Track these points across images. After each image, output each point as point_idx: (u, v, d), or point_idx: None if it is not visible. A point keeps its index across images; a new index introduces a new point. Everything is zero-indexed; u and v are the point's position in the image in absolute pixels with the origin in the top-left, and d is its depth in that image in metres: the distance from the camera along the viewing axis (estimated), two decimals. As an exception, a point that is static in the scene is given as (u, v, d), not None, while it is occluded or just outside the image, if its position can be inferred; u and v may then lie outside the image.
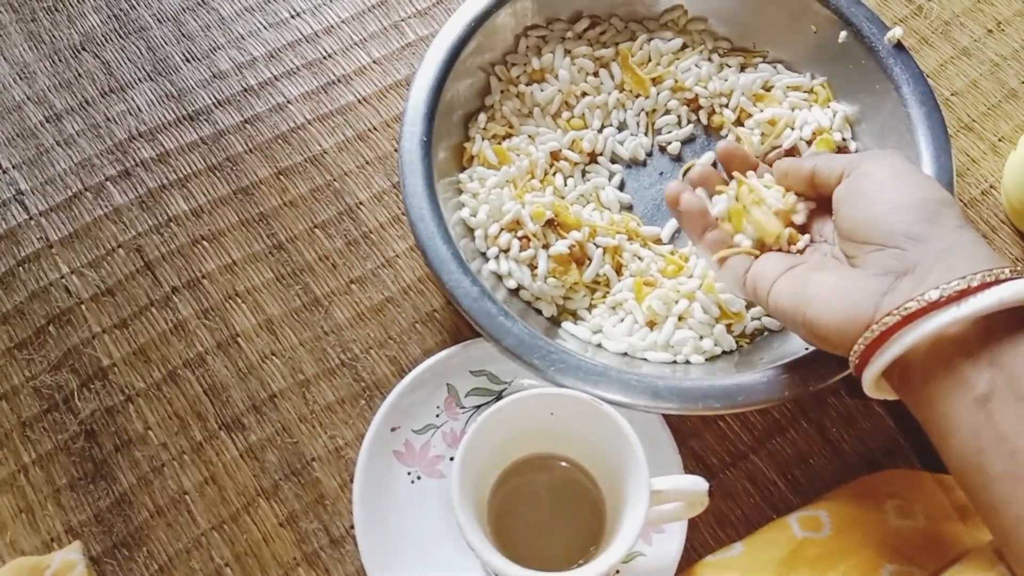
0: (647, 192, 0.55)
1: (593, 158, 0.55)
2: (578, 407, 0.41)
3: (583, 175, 0.55)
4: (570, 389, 0.42)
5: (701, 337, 0.49)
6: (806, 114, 0.54)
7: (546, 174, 0.54)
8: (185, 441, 0.48)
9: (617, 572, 0.44)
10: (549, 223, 0.50)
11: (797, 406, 0.49)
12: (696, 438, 0.48)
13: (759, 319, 0.50)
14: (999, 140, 0.57)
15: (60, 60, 0.59)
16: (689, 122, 0.56)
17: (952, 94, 0.59)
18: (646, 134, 0.56)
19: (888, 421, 0.49)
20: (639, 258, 0.51)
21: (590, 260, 0.50)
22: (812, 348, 0.45)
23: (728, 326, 0.49)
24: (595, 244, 0.51)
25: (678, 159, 0.56)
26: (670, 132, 0.56)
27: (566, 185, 0.54)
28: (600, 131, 0.56)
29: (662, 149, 0.56)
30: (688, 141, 0.56)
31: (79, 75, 0.59)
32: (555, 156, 0.54)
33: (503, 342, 0.45)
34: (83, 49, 0.60)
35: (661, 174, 0.55)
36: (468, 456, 0.39)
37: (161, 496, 0.47)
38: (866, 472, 0.47)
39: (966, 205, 0.55)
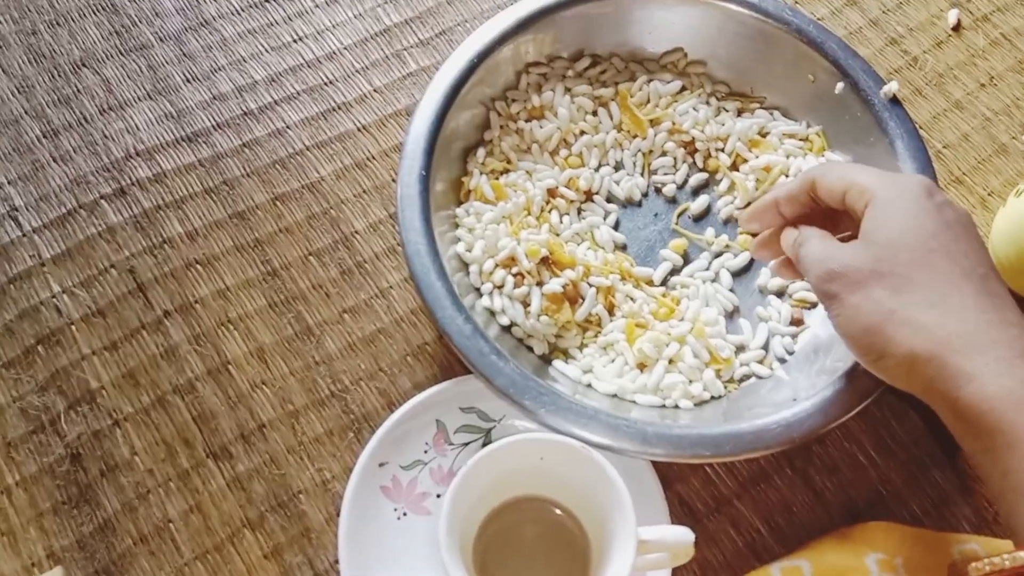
0: (641, 232, 0.55)
1: (589, 196, 0.55)
2: (568, 453, 0.41)
3: (579, 213, 0.55)
4: (560, 434, 0.43)
5: (691, 381, 0.49)
6: (801, 162, 0.55)
7: (542, 211, 0.54)
8: (171, 468, 0.48)
9: (599, 615, 0.45)
10: (543, 261, 0.51)
11: (782, 453, 0.50)
12: (682, 482, 0.49)
13: (747, 365, 0.51)
14: (988, 195, 0.58)
15: (60, 75, 0.59)
16: (685, 164, 0.57)
17: (944, 147, 0.60)
18: (642, 175, 0.57)
19: (871, 472, 0.49)
20: (631, 299, 0.52)
21: (583, 299, 0.51)
22: (799, 399, 0.46)
23: (717, 371, 0.50)
24: (588, 284, 0.51)
25: (673, 201, 0.56)
26: (666, 174, 0.56)
27: (562, 223, 0.54)
28: (597, 170, 0.56)
29: (657, 190, 0.56)
30: (683, 184, 0.57)
31: (78, 91, 0.59)
32: (552, 193, 0.55)
33: (495, 381, 0.45)
34: (83, 65, 0.60)
35: (656, 215, 0.56)
36: (457, 498, 0.39)
37: (145, 523, 0.47)
38: (848, 522, 0.48)
39: (954, 258, 0.56)
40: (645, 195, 0.56)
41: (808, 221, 0.45)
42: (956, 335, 0.38)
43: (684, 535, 0.40)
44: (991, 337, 0.38)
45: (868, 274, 0.40)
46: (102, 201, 0.55)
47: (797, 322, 0.52)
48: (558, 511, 0.44)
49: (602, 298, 0.51)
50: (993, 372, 0.37)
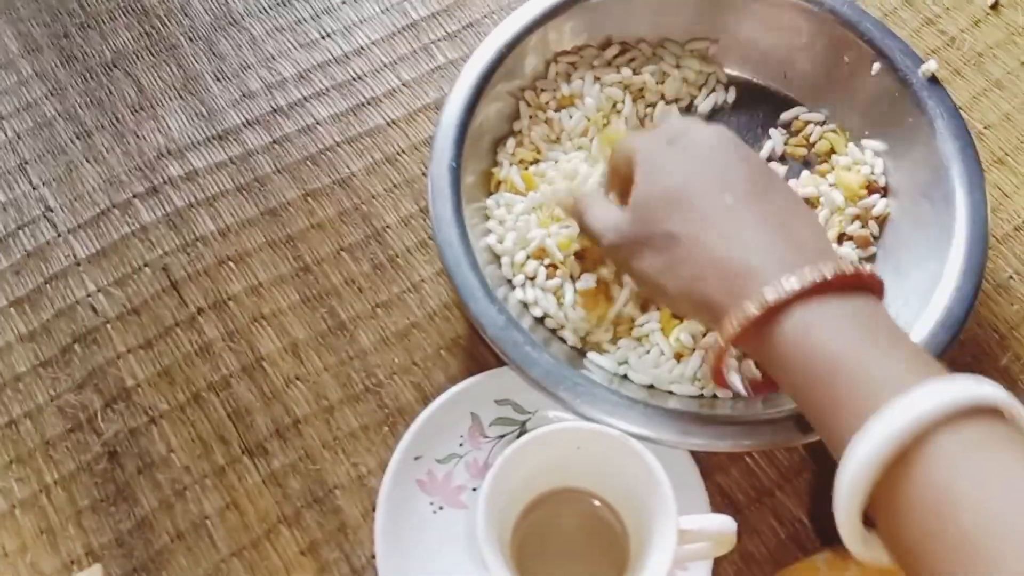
0: (675, 221, 0.54)
1: (621, 186, 0.55)
2: (605, 442, 0.40)
3: (611, 203, 0.54)
4: (597, 423, 0.42)
5: (728, 371, 0.48)
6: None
7: (574, 201, 0.53)
8: (208, 465, 0.48)
9: (640, 609, 0.44)
10: (577, 254, 0.50)
11: (825, 443, 0.48)
12: (722, 472, 0.48)
13: (787, 353, 0.50)
14: (1033, 175, 0.57)
15: (92, 77, 0.60)
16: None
17: (985, 127, 0.58)
18: (675, 162, 0.56)
19: (917, 460, 0.48)
20: (666, 289, 0.51)
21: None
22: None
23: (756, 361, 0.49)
24: (621, 285, 0.50)
25: (707, 188, 0.55)
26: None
27: (594, 213, 0.53)
28: (629, 159, 0.55)
29: (691, 178, 0.55)
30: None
31: (110, 92, 0.59)
32: (583, 183, 0.54)
33: (530, 372, 0.45)
34: (115, 66, 0.60)
35: (689, 203, 0.55)
36: (494, 490, 0.39)
37: (182, 520, 0.47)
38: (894, 512, 0.46)
39: (999, 241, 0.55)
40: (678, 183, 0.55)
41: None
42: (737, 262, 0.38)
43: (726, 523, 0.39)
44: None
45: (639, 240, 0.42)
46: (135, 200, 0.56)
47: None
48: (596, 502, 0.43)
49: (635, 296, 0.50)
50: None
